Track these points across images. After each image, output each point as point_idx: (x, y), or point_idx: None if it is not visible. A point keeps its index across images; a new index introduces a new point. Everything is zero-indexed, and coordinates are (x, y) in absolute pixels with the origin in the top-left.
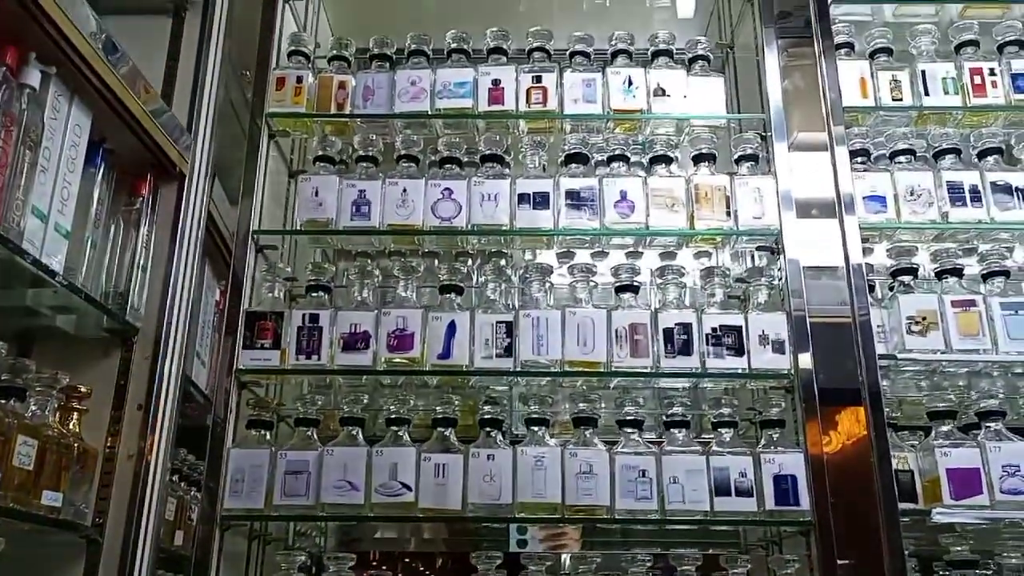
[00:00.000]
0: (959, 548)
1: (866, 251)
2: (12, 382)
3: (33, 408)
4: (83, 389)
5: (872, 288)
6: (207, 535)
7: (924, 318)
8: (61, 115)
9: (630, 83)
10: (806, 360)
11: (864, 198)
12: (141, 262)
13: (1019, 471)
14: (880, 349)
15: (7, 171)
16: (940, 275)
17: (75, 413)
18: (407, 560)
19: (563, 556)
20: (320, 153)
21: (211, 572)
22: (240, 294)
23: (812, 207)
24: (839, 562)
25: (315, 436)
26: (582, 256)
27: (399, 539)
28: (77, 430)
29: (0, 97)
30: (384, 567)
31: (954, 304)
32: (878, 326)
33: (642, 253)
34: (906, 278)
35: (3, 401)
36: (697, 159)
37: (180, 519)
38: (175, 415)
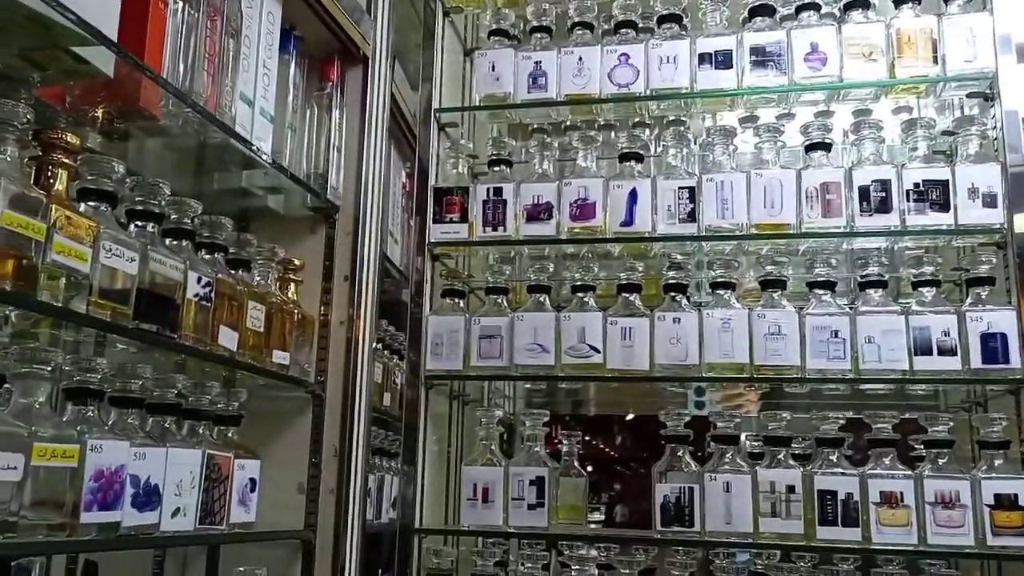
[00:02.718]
0: None
1: None
2: (239, 255)
3: (258, 278)
4: (297, 262)
5: None
6: (414, 394)
7: None
8: (256, 3)
9: None
10: (1022, 220)
11: None
12: (336, 143)
13: None
14: None
15: (217, 59)
16: None
17: (292, 284)
18: (591, 422)
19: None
20: (494, 27)
21: (420, 427)
22: (426, 172)
23: None
24: None
25: (505, 303)
26: (767, 118)
27: (582, 403)
28: (296, 298)
29: None
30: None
31: None
32: None
33: (833, 112)
34: None
35: (233, 272)
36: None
37: (386, 382)
38: (377, 284)
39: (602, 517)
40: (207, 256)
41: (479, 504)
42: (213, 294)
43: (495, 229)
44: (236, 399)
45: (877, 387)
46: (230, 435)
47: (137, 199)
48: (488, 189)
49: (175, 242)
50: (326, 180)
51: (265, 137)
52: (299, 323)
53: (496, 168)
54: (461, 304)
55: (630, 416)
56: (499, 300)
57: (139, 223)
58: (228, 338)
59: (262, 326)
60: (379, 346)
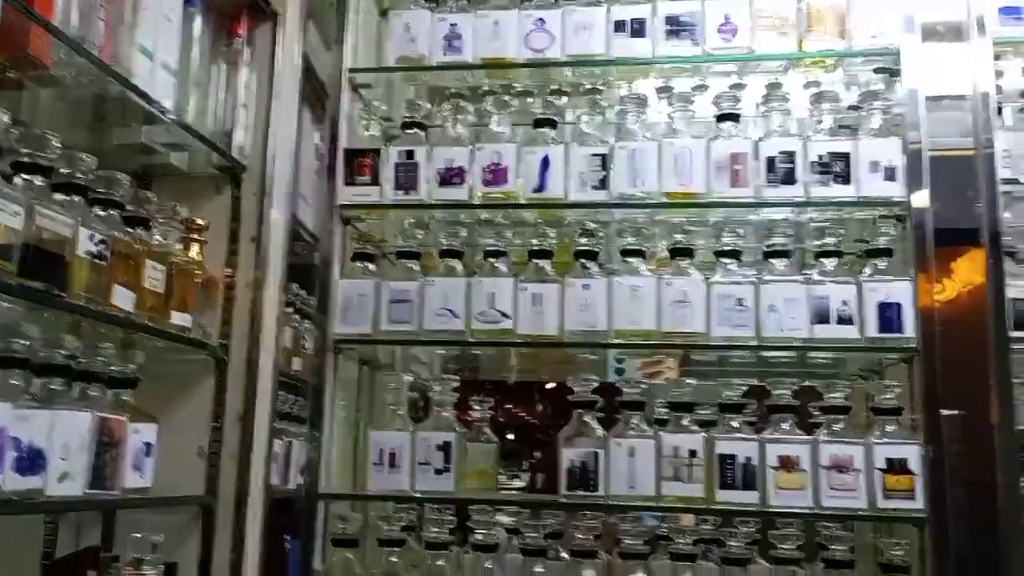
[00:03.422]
0: None
1: (997, 75)
2: (136, 212)
3: (158, 238)
4: (201, 222)
5: (999, 111)
6: (322, 359)
7: None
8: None
9: None
10: (923, 196)
11: (998, 10)
12: (243, 102)
13: None
14: (1004, 174)
15: (114, 8)
16: None
17: (196, 244)
18: (514, 390)
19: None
20: None
21: (327, 391)
22: (338, 133)
23: (937, 28)
24: (942, 389)
25: (417, 268)
26: (682, 88)
27: (504, 370)
28: (199, 259)
29: None
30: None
31: None
32: (1004, 150)
33: (745, 85)
34: None
35: (130, 229)
36: None
37: (297, 348)
38: (286, 247)
39: (524, 484)
40: (102, 213)
41: (386, 469)
42: (108, 252)
43: (407, 193)
44: (133, 361)
45: (780, 355)
46: (125, 398)
47: (23, 151)
48: (400, 152)
49: (65, 197)
50: (232, 139)
51: (166, 92)
52: (202, 285)
53: (409, 131)
54: (372, 268)
55: (552, 384)
56: (410, 265)
57: (25, 176)
58: (124, 298)
59: (162, 287)
60: (291, 311)
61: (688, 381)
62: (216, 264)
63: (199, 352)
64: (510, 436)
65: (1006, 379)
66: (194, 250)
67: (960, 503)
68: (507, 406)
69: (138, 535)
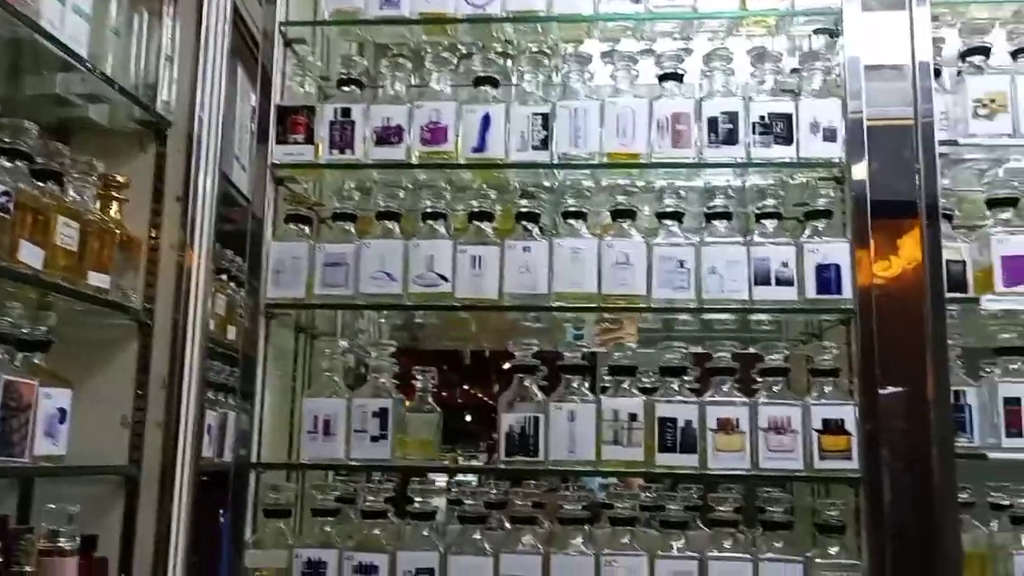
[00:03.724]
0: (1007, 335)
1: (936, 42)
2: (48, 165)
3: (72, 194)
4: (120, 178)
5: (938, 74)
6: (254, 324)
7: (992, 100)
8: None
9: None
10: (863, 165)
11: None
12: (168, 54)
13: None
14: (942, 136)
15: None
16: (1015, 55)
17: (115, 202)
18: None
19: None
20: None
21: (258, 360)
22: (270, 89)
23: None
24: (879, 350)
25: (353, 230)
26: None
27: (443, 337)
28: (119, 218)
29: None
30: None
31: None
32: (941, 113)
33: (691, 51)
34: (976, 58)
35: (41, 184)
36: None
37: (232, 316)
38: (214, 208)
39: (481, 464)
40: (6, 163)
41: (320, 437)
42: (12, 205)
43: (342, 152)
44: (44, 323)
45: (725, 319)
46: (36, 361)
47: None
48: (336, 109)
49: None
50: (156, 92)
51: (78, 36)
52: (122, 245)
53: (345, 88)
54: (307, 231)
55: (509, 365)
56: (346, 227)
57: None
58: (31, 255)
59: (75, 245)
60: (225, 278)
61: (630, 345)
62: (139, 224)
63: (121, 316)
64: (468, 417)
65: (941, 341)
66: (113, 208)
67: (895, 463)
68: (465, 387)
69: (52, 506)
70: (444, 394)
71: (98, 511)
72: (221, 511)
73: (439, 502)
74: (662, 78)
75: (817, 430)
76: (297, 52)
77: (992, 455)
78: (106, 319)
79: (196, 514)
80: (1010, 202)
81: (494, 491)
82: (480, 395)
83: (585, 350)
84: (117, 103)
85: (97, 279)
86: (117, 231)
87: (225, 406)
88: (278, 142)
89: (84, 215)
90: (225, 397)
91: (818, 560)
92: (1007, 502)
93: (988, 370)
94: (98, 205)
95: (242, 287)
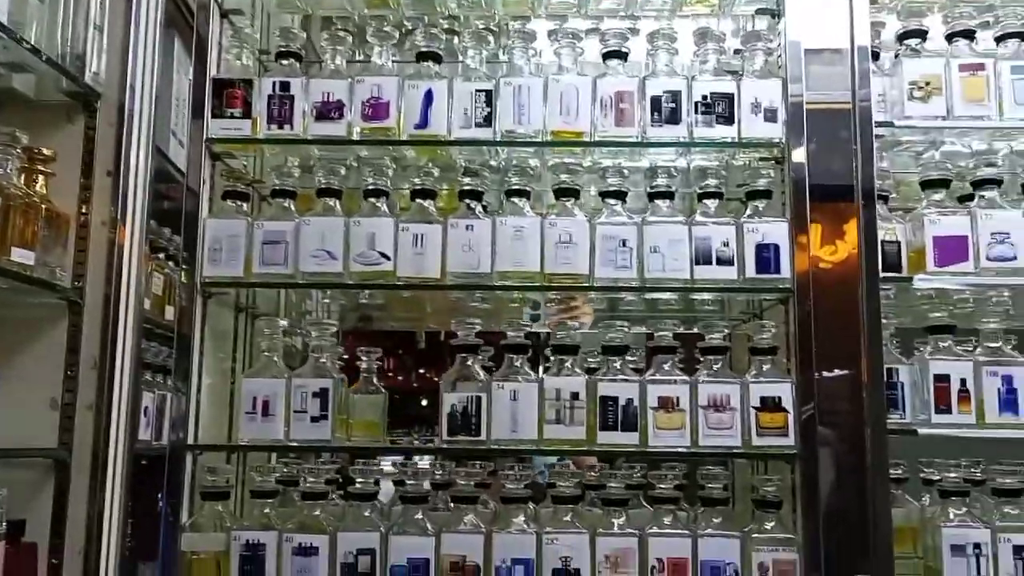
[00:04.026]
0: (938, 314)
1: (876, 25)
2: None
3: None
4: (46, 152)
5: (876, 56)
6: (190, 303)
7: (928, 83)
8: None
9: None
10: (802, 149)
11: None
12: (97, 23)
13: (1008, 238)
14: (879, 118)
15: None
16: (950, 38)
17: (41, 176)
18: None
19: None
20: None
21: (194, 340)
22: (206, 61)
23: None
24: (816, 329)
25: (292, 207)
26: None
27: (388, 319)
28: (44, 192)
29: None
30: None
31: (961, 68)
32: (879, 95)
33: (637, 31)
34: (913, 41)
35: None
36: None
37: (169, 295)
38: (149, 183)
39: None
40: None
41: (259, 418)
42: None
43: (281, 127)
44: None
45: (669, 298)
46: None
47: None
48: (274, 83)
49: None
50: (84, 63)
51: None
52: (49, 220)
53: (284, 62)
54: (245, 208)
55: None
56: (286, 204)
57: None
58: None
59: None
60: (162, 256)
61: (571, 324)
62: (68, 200)
63: (48, 294)
64: (424, 402)
65: (875, 320)
66: (39, 183)
67: (830, 439)
68: (420, 370)
69: None
70: (400, 378)
71: (26, 496)
72: (160, 495)
73: (388, 485)
74: (606, 56)
75: (755, 407)
76: (234, 23)
77: (922, 431)
78: (32, 297)
79: (132, 498)
80: (942, 183)
81: (439, 472)
82: (436, 379)
83: (529, 330)
84: (43, 73)
85: (21, 255)
86: (43, 206)
87: (164, 388)
88: (214, 116)
89: (6, 188)
90: (164, 379)
91: (755, 535)
92: (937, 477)
93: (920, 348)
94: (22, 179)
95: (179, 265)
